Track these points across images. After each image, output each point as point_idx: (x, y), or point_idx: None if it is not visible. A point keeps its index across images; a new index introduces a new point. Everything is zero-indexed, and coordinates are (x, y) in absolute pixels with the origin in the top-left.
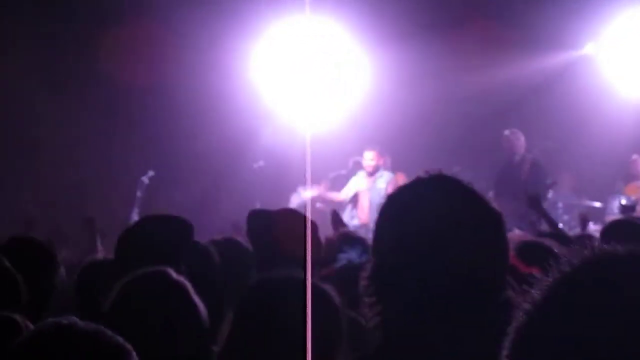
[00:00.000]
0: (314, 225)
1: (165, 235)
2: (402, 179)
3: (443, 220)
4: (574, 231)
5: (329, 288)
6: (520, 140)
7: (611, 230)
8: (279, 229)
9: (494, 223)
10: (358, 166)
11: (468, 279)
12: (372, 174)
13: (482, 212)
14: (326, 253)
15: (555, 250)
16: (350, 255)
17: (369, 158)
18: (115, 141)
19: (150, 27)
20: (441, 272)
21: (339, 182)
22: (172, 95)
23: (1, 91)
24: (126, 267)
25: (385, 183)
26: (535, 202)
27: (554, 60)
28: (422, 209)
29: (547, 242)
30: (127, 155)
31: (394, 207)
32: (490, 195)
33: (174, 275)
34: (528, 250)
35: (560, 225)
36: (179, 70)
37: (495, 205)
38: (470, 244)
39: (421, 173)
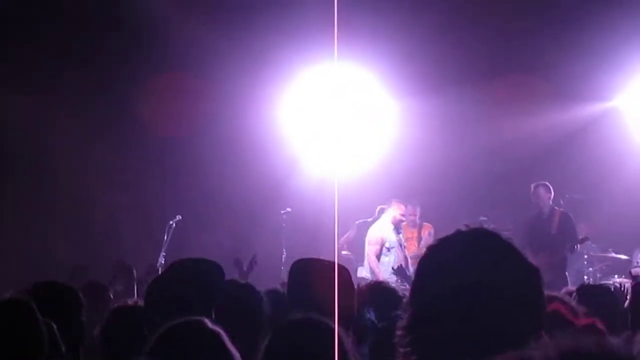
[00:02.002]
0: (348, 274)
1: (197, 280)
2: (428, 230)
3: (483, 274)
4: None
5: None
6: (550, 193)
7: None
8: (318, 278)
9: (533, 278)
10: (381, 213)
11: (505, 333)
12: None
13: (522, 267)
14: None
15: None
16: (372, 316)
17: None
18: (147, 186)
19: (183, 76)
20: (479, 326)
21: (364, 229)
22: (202, 143)
23: (40, 136)
24: (156, 312)
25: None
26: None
27: (583, 111)
28: (463, 262)
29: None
30: (158, 200)
31: (435, 259)
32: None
33: (210, 324)
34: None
35: (585, 277)
36: (210, 117)
37: (532, 260)
38: (510, 298)
39: (460, 226)
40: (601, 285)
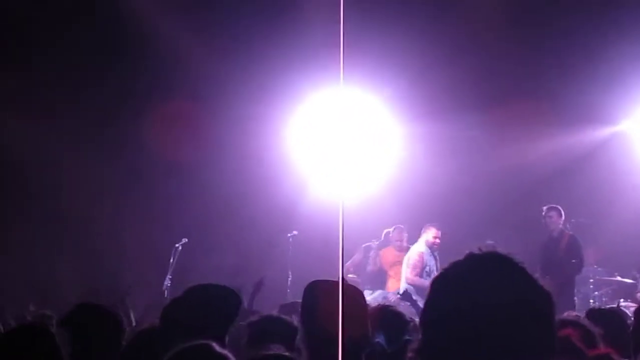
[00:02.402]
0: (362, 297)
1: (212, 306)
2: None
3: (496, 297)
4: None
5: None
6: (561, 217)
7: None
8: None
9: (545, 302)
10: (388, 236)
11: (517, 357)
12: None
13: (533, 291)
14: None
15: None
16: (382, 340)
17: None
18: (154, 210)
19: (190, 103)
20: (491, 350)
21: (371, 252)
22: (209, 167)
23: (49, 161)
24: (172, 336)
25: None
26: None
27: (590, 135)
28: (475, 285)
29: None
30: (165, 223)
31: (448, 282)
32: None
33: (217, 348)
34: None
35: (591, 301)
36: (218, 142)
37: (544, 283)
38: (521, 322)
39: (469, 249)
40: (610, 308)
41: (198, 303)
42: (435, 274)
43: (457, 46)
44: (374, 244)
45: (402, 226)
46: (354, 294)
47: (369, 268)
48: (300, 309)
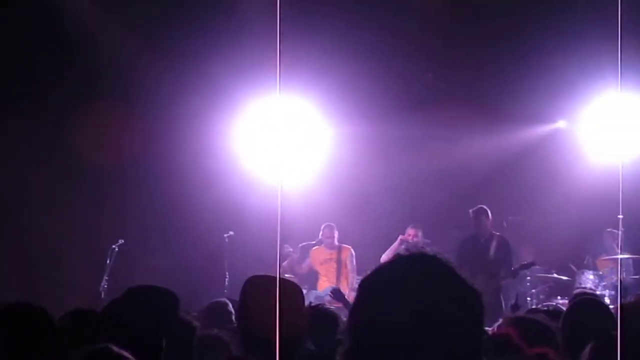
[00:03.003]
0: (301, 296)
1: (150, 309)
2: (347, 252)
3: (424, 299)
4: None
5: None
6: (487, 217)
7: (575, 306)
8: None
9: (474, 302)
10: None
11: (447, 358)
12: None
13: (462, 291)
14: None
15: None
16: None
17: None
18: (88, 213)
19: (124, 105)
20: (420, 353)
21: (308, 252)
22: (146, 168)
23: None
24: (109, 338)
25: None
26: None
27: (527, 134)
28: (402, 288)
29: (539, 317)
30: (100, 225)
31: (373, 285)
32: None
33: (116, 349)
34: (529, 329)
35: (528, 299)
36: (153, 145)
37: (473, 283)
38: (450, 323)
39: (402, 251)
40: (533, 318)
41: (137, 304)
42: None
43: (392, 49)
44: (312, 243)
45: (332, 224)
46: (293, 292)
47: (301, 268)
48: (236, 306)
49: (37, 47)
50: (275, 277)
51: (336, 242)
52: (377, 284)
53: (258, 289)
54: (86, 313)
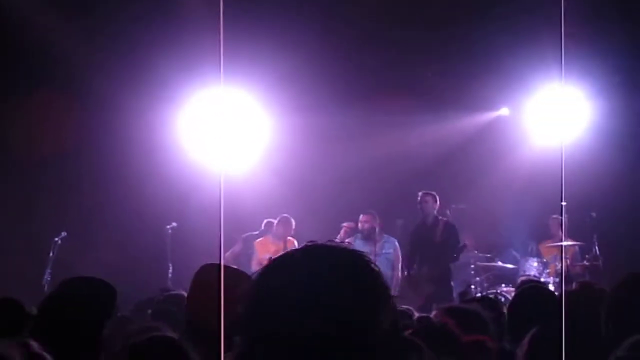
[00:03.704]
0: (249, 281)
1: (88, 301)
2: (291, 244)
3: (319, 292)
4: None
5: None
6: (435, 202)
7: (522, 294)
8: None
9: (373, 282)
10: (268, 226)
11: (345, 342)
12: (368, 238)
13: (359, 283)
14: None
15: (484, 316)
16: None
17: (364, 220)
18: (31, 204)
19: (63, 93)
20: (315, 347)
21: (250, 242)
22: (87, 159)
23: None
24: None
25: (392, 249)
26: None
27: (471, 121)
28: (296, 282)
29: (474, 307)
30: (43, 217)
31: (268, 279)
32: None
33: (36, 347)
34: (461, 317)
35: (472, 287)
36: (97, 134)
37: (373, 266)
38: (344, 316)
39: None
40: (466, 307)
41: (73, 297)
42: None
43: (336, 38)
44: (254, 234)
45: (288, 216)
46: (243, 280)
47: (251, 265)
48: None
49: None
50: (228, 267)
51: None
52: (271, 279)
53: (211, 277)
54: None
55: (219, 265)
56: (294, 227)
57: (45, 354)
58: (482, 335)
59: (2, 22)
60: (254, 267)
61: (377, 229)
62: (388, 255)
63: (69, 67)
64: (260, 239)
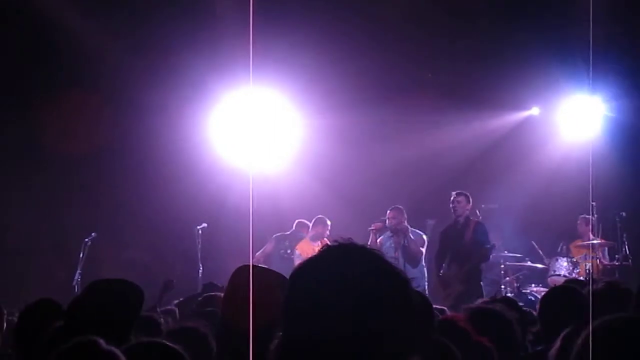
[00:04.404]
0: (284, 282)
1: (116, 303)
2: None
3: (353, 289)
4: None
5: None
6: (468, 202)
7: (551, 296)
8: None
9: (401, 289)
10: (300, 226)
11: (377, 346)
12: (396, 232)
13: (389, 280)
14: None
15: (506, 316)
16: None
17: (391, 216)
18: (62, 204)
19: (97, 95)
20: (354, 343)
21: (282, 242)
22: (118, 161)
23: None
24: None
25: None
26: None
27: (501, 121)
28: (333, 279)
29: (498, 307)
30: (74, 218)
31: (305, 277)
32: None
33: (104, 345)
34: (481, 317)
35: (502, 287)
36: (129, 136)
37: (400, 271)
38: (378, 311)
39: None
40: (493, 309)
41: (100, 298)
42: (392, 254)
43: (366, 40)
44: (286, 234)
45: (324, 217)
46: (279, 283)
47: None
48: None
49: (2, 38)
50: (262, 268)
51: (327, 234)
52: (307, 277)
53: (246, 278)
54: (48, 303)
55: (258, 266)
56: (329, 227)
57: (115, 350)
58: (490, 338)
59: (35, 22)
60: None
61: (404, 223)
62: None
63: (102, 68)
64: (301, 242)
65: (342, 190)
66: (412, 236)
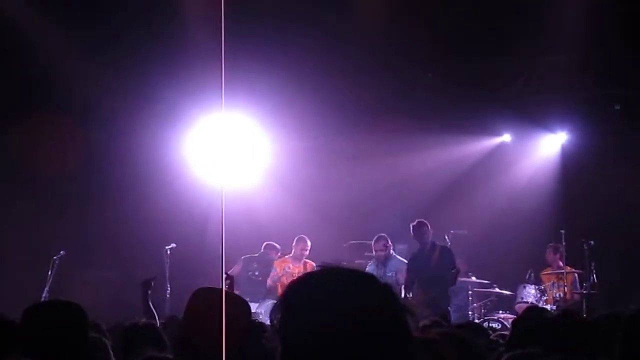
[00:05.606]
0: (248, 310)
1: (60, 324)
2: (311, 266)
3: (344, 312)
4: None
5: None
6: (429, 230)
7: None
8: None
9: (392, 311)
10: (268, 248)
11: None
12: (381, 262)
13: (380, 301)
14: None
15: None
16: None
17: (304, 248)
18: (32, 222)
19: (71, 116)
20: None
21: (250, 264)
22: (88, 181)
23: None
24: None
25: (394, 270)
26: None
27: (473, 147)
28: (323, 300)
29: (465, 333)
30: (43, 236)
31: (294, 298)
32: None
33: None
34: (448, 342)
35: (470, 313)
36: (100, 156)
37: (395, 292)
38: (367, 333)
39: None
40: (460, 334)
41: (44, 322)
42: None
43: (335, 65)
44: (254, 256)
45: (305, 237)
46: (239, 305)
47: (269, 283)
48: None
49: None
50: (220, 289)
51: (306, 254)
52: (296, 298)
53: (205, 301)
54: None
55: (212, 288)
56: (309, 246)
57: None
58: None
59: (8, 43)
60: (269, 283)
61: (390, 252)
62: (390, 276)
63: (76, 89)
64: (280, 258)
65: (316, 211)
66: (394, 267)
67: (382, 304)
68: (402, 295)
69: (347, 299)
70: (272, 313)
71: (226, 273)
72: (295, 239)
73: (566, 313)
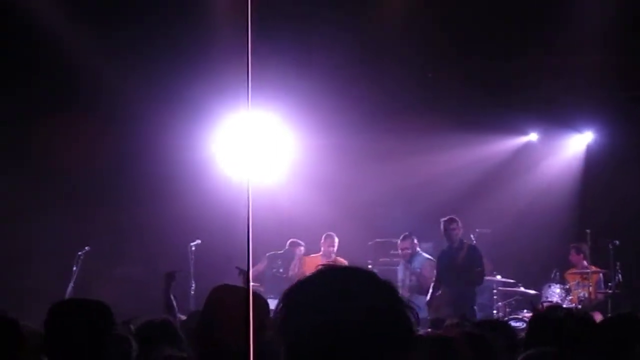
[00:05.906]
0: (266, 308)
1: (85, 322)
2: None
3: (351, 311)
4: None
5: None
6: (459, 228)
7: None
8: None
9: (394, 310)
10: (293, 245)
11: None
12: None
13: (382, 300)
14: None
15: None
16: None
17: (331, 245)
18: (58, 218)
19: (95, 113)
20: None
21: (275, 261)
22: (115, 176)
23: None
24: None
25: (419, 267)
26: None
27: (499, 146)
28: (329, 299)
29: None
30: (69, 232)
31: (301, 296)
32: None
33: None
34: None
35: (495, 312)
36: (127, 153)
37: (399, 292)
38: (369, 332)
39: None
40: (481, 334)
41: (69, 320)
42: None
43: (369, 64)
44: (279, 253)
45: (332, 234)
46: (259, 303)
47: (291, 273)
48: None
49: (6, 55)
50: (241, 287)
51: (334, 253)
52: (302, 296)
53: (224, 299)
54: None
55: (231, 286)
56: (337, 243)
57: None
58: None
59: (37, 42)
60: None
61: (416, 250)
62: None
63: (105, 88)
64: (311, 256)
65: (341, 208)
66: (419, 263)
67: (384, 303)
68: (430, 292)
69: (349, 298)
70: (275, 312)
71: (240, 268)
72: (323, 236)
73: (572, 313)
